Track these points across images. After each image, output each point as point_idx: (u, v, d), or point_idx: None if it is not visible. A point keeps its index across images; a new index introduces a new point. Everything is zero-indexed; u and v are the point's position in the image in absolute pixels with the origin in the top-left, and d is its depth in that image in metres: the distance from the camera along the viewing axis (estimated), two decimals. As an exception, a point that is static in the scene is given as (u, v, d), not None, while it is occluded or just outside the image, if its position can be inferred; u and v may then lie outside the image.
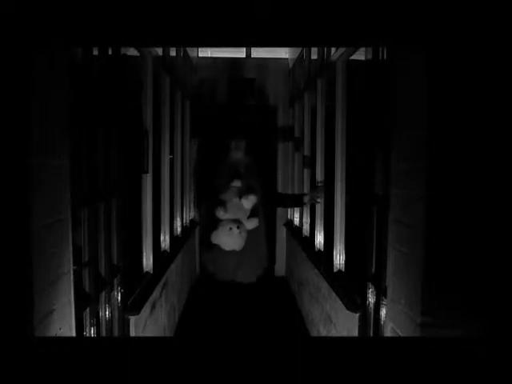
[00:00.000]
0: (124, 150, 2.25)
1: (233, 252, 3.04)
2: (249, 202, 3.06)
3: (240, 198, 3.07)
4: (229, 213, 3.04)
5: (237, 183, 3.09)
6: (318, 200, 3.44)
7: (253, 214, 3.12)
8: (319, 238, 3.68)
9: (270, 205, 3.32)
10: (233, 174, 3.14)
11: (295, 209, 4.74)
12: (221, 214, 3.03)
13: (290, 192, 4.99)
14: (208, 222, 3.14)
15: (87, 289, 1.89)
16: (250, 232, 3.07)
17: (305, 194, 3.48)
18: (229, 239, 3.01)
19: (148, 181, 3.00)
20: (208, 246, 3.12)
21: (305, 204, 3.52)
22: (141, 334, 2.53)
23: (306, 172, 4.28)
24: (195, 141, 5.09)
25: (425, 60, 1.43)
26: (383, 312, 1.91)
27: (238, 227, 3.01)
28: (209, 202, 3.18)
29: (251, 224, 3.08)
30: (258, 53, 5.28)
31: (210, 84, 5.20)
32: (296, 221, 4.72)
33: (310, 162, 4.16)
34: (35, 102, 1.35)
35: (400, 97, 1.66)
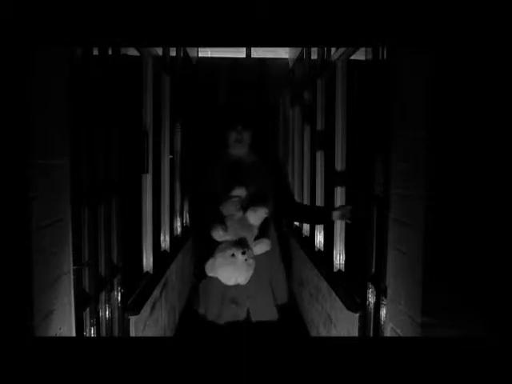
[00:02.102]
0: (124, 150, 2.25)
1: (236, 287, 2.20)
2: (257, 216, 2.22)
3: (244, 211, 2.23)
4: (229, 233, 2.19)
5: (240, 191, 2.25)
6: (348, 219, 2.41)
7: (262, 233, 2.26)
8: (319, 238, 3.68)
9: (287, 218, 2.57)
10: (233, 178, 2.29)
11: None
12: (219, 234, 2.17)
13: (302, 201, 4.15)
14: (201, 246, 2.29)
15: (87, 289, 1.89)
16: (258, 258, 2.20)
17: (334, 209, 2.49)
18: (231, 270, 2.15)
19: (148, 181, 3.00)
20: (200, 278, 2.29)
21: (332, 220, 2.51)
22: (141, 334, 2.53)
23: (307, 167, 4.28)
24: (178, 127, 3.94)
25: (426, 61, 1.43)
26: (383, 312, 1.91)
27: (243, 252, 2.13)
28: (201, 217, 2.33)
29: (261, 247, 2.22)
30: (258, 53, 5.29)
31: (209, 84, 5.20)
32: (296, 221, 4.72)
33: (310, 163, 4.15)
34: (35, 103, 1.35)
35: (400, 96, 1.66)
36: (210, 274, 2.17)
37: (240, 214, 2.23)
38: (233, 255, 2.14)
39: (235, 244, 2.16)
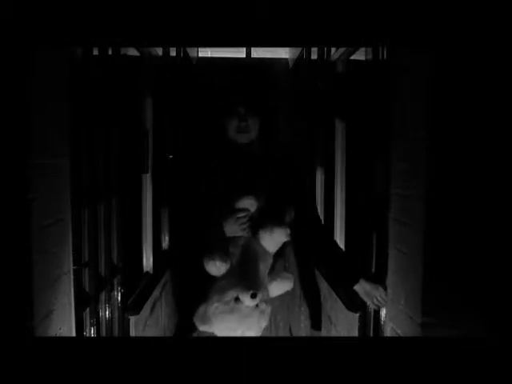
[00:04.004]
0: (124, 150, 2.25)
1: None
2: (274, 240, 1.55)
3: (255, 233, 1.57)
4: (233, 264, 1.52)
5: (248, 202, 1.59)
6: (380, 301, 1.76)
7: (278, 262, 1.62)
8: (319, 238, 3.67)
9: (311, 254, 1.78)
10: (238, 183, 1.64)
11: None
12: (216, 266, 1.49)
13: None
14: (189, 283, 1.69)
15: (87, 289, 1.89)
16: (273, 301, 1.57)
17: (366, 277, 1.80)
18: (234, 321, 1.48)
19: (148, 181, 3.00)
20: (188, 331, 1.68)
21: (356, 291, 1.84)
22: (141, 334, 2.53)
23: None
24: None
25: (426, 61, 1.43)
26: (383, 312, 1.91)
27: (253, 295, 1.45)
28: (189, 242, 1.70)
29: (279, 286, 1.56)
30: (258, 53, 5.28)
31: (209, 84, 5.19)
32: (296, 221, 4.70)
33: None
34: (35, 103, 1.35)
35: (400, 96, 1.65)
36: (202, 327, 1.53)
37: (249, 235, 1.58)
38: (237, 299, 1.46)
39: (241, 282, 1.47)
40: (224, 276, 1.52)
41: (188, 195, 1.76)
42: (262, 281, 1.52)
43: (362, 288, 1.77)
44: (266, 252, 1.56)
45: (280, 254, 1.62)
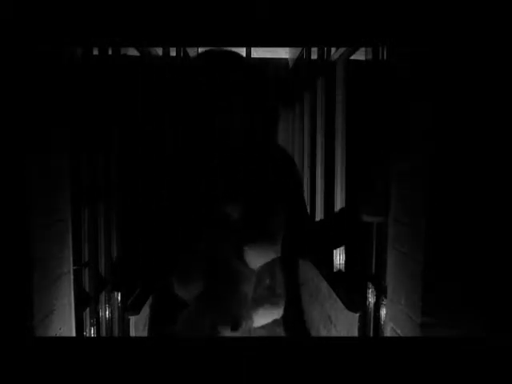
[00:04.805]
0: (124, 150, 2.25)
1: None
2: (259, 256, 1.30)
3: (238, 246, 1.30)
4: (209, 285, 1.26)
5: (230, 208, 1.33)
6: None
7: (261, 279, 1.34)
8: (319, 238, 3.66)
9: (300, 255, 1.58)
10: (219, 187, 1.39)
11: None
12: (186, 288, 1.26)
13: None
14: (160, 309, 1.42)
15: (87, 289, 1.89)
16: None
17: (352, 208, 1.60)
18: None
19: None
20: None
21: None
22: (141, 334, 2.53)
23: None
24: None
25: (427, 61, 1.43)
26: (383, 312, 1.91)
27: (234, 326, 1.26)
28: (160, 260, 1.43)
29: (266, 314, 1.33)
30: (258, 53, 5.28)
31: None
32: (296, 221, 4.70)
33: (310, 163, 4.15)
34: (34, 101, 1.35)
35: (400, 96, 1.65)
36: None
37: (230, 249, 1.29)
38: (213, 329, 1.23)
39: (219, 306, 1.22)
40: (197, 299, 1.24)
41: (184, 197, 1.56)
42: (245, 305, 1.25)
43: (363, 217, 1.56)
44: (249, 269, 1.29)
45: (264, 270, 1.34)
